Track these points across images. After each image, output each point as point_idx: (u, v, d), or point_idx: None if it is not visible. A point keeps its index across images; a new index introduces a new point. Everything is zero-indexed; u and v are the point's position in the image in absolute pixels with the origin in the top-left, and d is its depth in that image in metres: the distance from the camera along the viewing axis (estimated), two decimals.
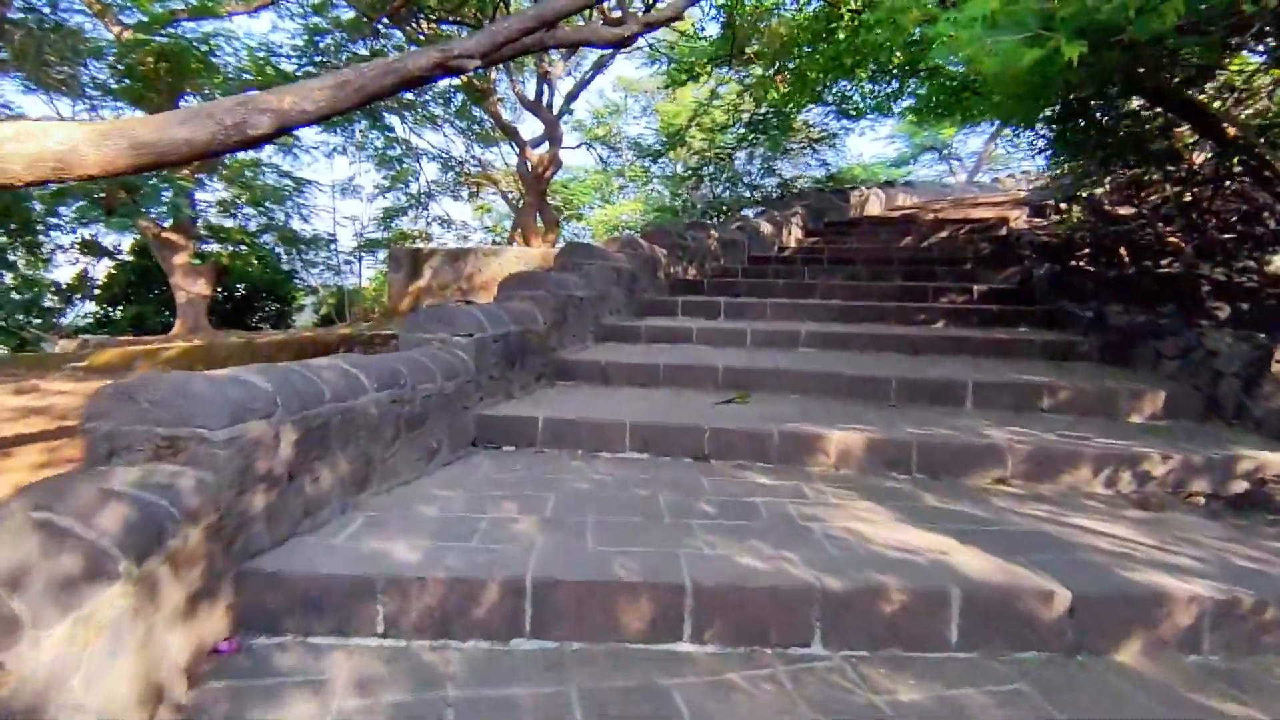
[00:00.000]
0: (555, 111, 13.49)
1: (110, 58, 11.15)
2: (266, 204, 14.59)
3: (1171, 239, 6.51)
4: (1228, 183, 6.74)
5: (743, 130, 12.59)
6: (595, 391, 4.13)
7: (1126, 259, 6.23)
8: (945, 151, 21.05)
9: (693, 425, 3.23)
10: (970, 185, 17.42)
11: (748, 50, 9.79)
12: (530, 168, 13.19)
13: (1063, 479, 2.95)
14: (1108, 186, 9.44)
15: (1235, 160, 5.54)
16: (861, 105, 7.55)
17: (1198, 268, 5.82)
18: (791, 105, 11.14)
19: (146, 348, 6.47)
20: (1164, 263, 6.75)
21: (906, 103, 6.97)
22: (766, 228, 9.56)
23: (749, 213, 16.26)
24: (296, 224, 15.90)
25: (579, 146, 16.04)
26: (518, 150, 13.57)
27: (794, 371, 4.11)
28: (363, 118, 13.83)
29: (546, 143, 13.28)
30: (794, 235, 10.47)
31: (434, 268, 8.71)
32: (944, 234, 9.81)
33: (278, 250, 16.08)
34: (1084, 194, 9.46)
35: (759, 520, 2.42)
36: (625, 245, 6.46)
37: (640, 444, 3.25)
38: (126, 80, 11.35)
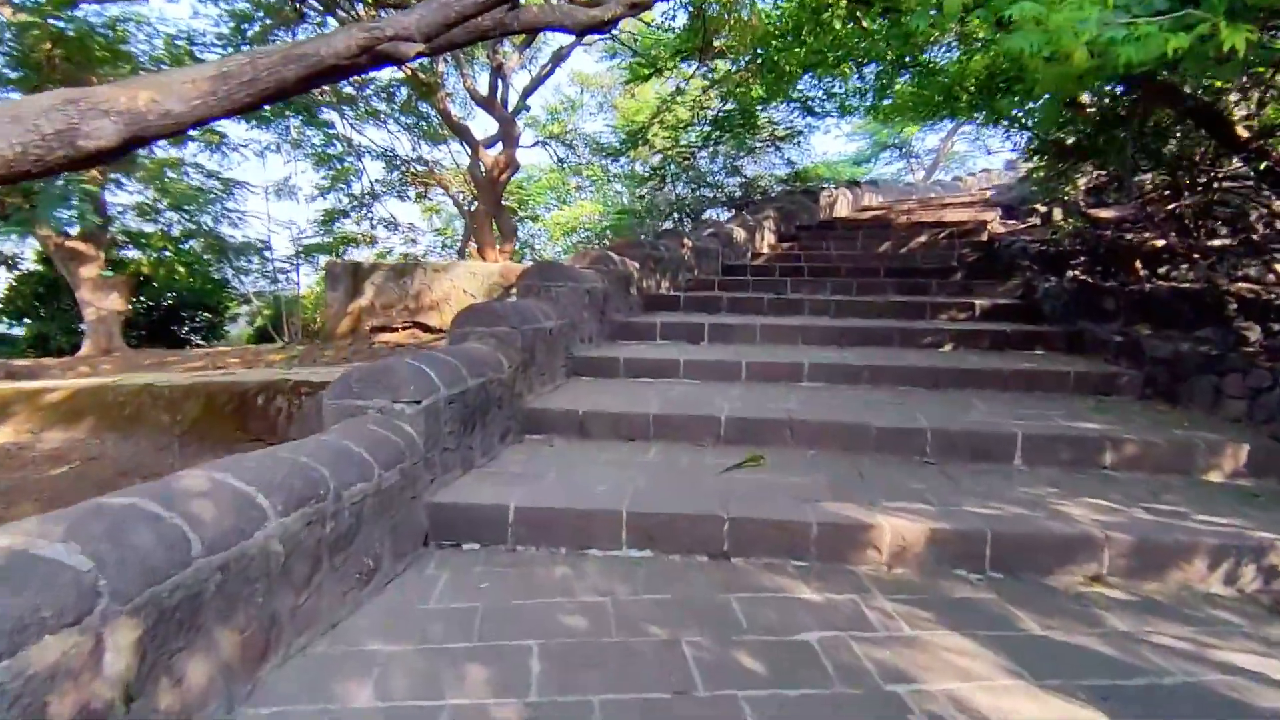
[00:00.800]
0: (510, 109, 12.53)
1: (7, 44, 9.86)
2: (190, 208, 13.31)
3: (1180, 248, 6.13)
4: (1227, 186, 6.42)
5: (707, 128, 11.95)
6: (573, 449, 3.41)
7: (1143, 271, 5.79)
8: (904, 149, 20.87)
9: (706, 514, 2.55)
10: (933, 184, 17.21)
11: (716, 43, 9.15)
12: (484, 170, 12.11)
13: (1171, 576, 2.37)
14: (1082, 188, 9.15)
15: (1262, 166, 5.12)
16: (849, 103, 6.97)
17: (1218, 281, 5.42)
18: (763, 102, 10.58)
19: (29, 387, 5.46)
20: (1161, 271, 6.39)
21: (887, 102, 6.41)
22: (740, 233, 8.95)
23: (714, 213, 15.70)
24: (226, 229, 14.63)
25: (535, 145, 15.07)
26: (470, 151, 12.55)
27: (810, 422, 3.47)
28: (297, 113, 12.72)
29: (501, 143, 12.31)
30: (767, 240, 9.90)
31: (376, 285, 7.77)
32: (923, 238, 9.37)
33: (207, 257, 14.78)
34: (1064, 196, 9.14)
35: (825, 682, 1.76)
36: (596, 261, 5.74)
37: (641, 538, 2.55)
38: (22, 70, 10.07)
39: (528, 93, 12.75)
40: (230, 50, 10.81)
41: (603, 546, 2.56)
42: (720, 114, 11.40)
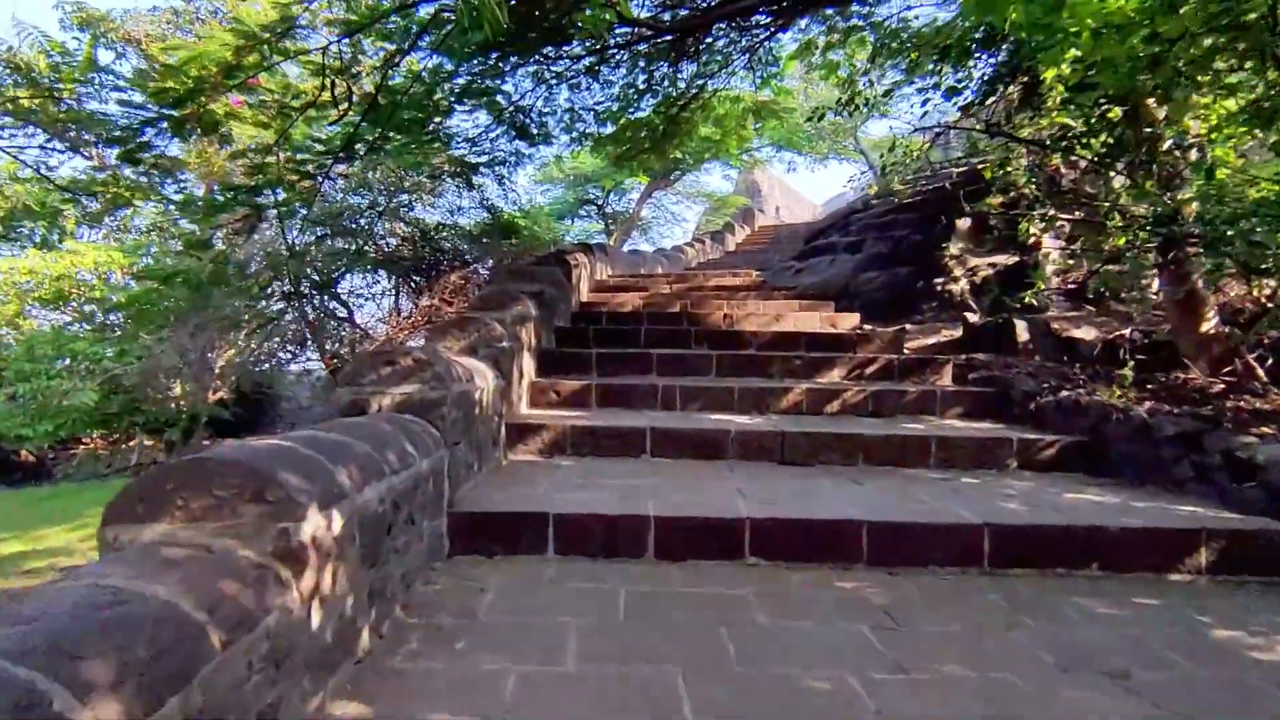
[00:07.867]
0: None
1: None
2: None
3: None
4: None
5: (358, 123, 5.83)
6: None
7: None
8: (602, 207, 17.02)
9: None
10: (660, 253, 13.37)
11: None
12: None
13: None
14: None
15: None
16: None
17: None
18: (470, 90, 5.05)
19: None
20: None
21: None
22: (487, 379, 3.14)
23: (353, 281, 9.25)
24: None
25: None
26: None
27: None
28: None
29: None
30: (528, 372, 4.25)
31: None
32: (836, 374, 4.76)
33: None
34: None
35: None
36: None
37: None
38: None
39: None
40: None
41: None
42: (398, 97, 5.44)
